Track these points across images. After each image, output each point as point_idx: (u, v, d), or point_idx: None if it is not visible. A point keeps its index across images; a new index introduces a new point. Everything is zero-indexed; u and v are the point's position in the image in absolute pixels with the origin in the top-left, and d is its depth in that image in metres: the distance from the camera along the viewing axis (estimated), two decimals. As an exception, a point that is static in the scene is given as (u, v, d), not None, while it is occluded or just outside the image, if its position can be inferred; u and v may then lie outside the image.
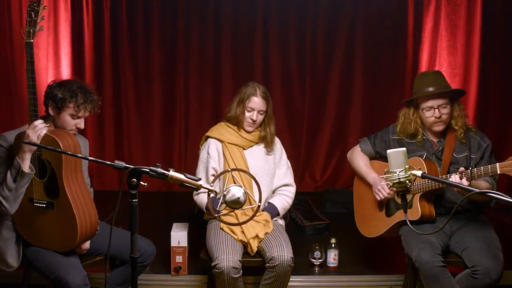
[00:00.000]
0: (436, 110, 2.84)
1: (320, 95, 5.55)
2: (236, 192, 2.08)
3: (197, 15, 5.39)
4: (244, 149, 3.06)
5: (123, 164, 1.86)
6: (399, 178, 2.01)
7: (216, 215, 2.52)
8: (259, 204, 2.26)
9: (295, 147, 5.49)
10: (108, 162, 1.89)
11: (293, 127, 5.51)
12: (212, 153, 3.03)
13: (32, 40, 2.37)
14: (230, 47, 5.44)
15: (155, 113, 5.52)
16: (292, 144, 5.42)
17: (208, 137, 3.12)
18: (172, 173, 1.87)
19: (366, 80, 5.47)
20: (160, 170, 1.85)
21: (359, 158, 3.18)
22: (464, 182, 2.58)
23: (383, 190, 2.95)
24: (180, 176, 1.88)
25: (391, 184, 2.05)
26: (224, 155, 3.02)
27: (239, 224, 2.78)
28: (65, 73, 5.26)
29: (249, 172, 2.70)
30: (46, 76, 5.28)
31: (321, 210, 4.72)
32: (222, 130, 3.09)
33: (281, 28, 5.42)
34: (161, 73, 5.46)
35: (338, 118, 5.57)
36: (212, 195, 2.99)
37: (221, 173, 2.66)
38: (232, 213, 2.85)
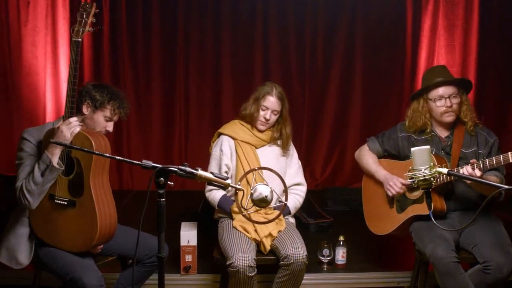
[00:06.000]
0: (447, 99, 2.88)
1: (320, 95, 5.57)
2: (263, 190, 2.08)
3: (197, 15, 5.38)
4: (256, 148, 3.07)
5: (150, 163, 1.85)
6: (424, 176, 2.04)
7: (244, 213, 2.50)
8: (286, 202, 2.26)
9: (295, 146, 5.47)
10: (135, 162, 1.88)
11: (293, 126, 5.50)
12: (225, 150, 3.03)
13: (79, 39, 2.42)
14: (230, 46, 5.44)
15: (155, 113, 5.50)
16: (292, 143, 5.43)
17: (220, 133, 3.11)
18: (200, 172, 1.86)
19: (366, 79, 5.51)
20: (188, 169, 1.84)
21: (367, 157, 3.19)
22: (477, 172, 2.60)
23: (395, 186, 2.95)
24: (208, 175, 1.87)
25: (416, 181, 2.08)
26: (237, 152, 3.02)
27: (268, 222, 2.76)
28: (64, 72, 5.20)
29: (275, 171, 2.68)
30: (44, 76, 5.23)
31: (323, 208, 4.74)
32: (235, 127, 3.09)
33: (281, 28, 5.44)
34: (161, 73, 5.44)
35: (338, 117, 5.60)
36: (230, 193, 2.99)
37: (248, 172, 2.65)
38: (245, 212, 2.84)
